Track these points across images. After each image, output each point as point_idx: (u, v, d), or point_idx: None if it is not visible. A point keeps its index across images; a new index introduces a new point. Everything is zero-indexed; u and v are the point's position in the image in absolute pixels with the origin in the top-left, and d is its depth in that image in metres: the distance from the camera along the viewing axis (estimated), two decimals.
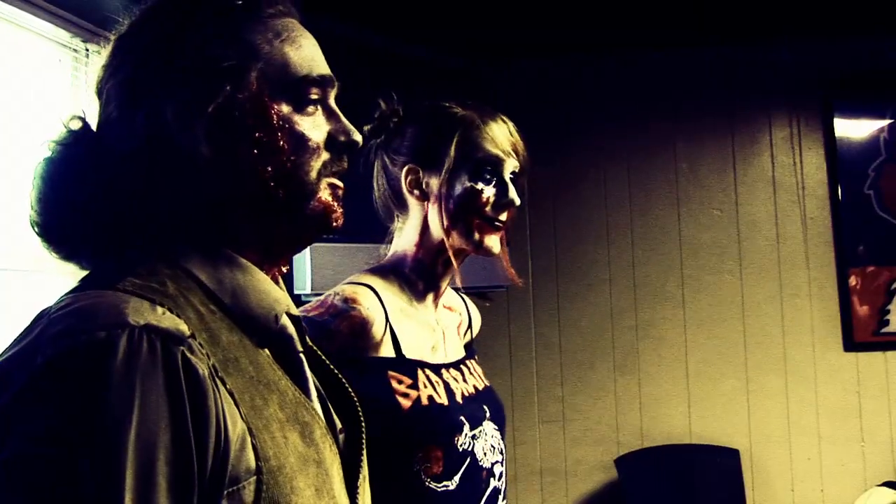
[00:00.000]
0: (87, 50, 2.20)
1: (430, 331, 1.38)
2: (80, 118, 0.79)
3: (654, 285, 3.38)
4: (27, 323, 0.71)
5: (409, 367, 1.28)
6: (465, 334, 1.51)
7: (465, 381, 1.36)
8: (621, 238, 3.41)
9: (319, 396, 0.86)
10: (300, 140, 0.79)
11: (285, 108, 0.79)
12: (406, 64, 2.81)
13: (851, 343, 3.26)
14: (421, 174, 1.36)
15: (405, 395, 1.24)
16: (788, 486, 3.27)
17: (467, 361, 1.42)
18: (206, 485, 0.65)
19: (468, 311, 1.54)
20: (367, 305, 1.26)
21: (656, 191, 3.41)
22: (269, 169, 0.77)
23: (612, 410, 3.37)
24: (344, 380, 0.94)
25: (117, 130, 0.77)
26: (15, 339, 0.69)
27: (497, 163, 1.34)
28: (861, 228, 3.28)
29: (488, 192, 1.33)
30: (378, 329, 1.26)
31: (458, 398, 1.30)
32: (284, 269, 0.86)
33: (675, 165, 3.41)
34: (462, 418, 1.27)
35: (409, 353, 1.30)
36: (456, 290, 1.56)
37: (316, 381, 0.88)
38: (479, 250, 1.35)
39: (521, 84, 3.41)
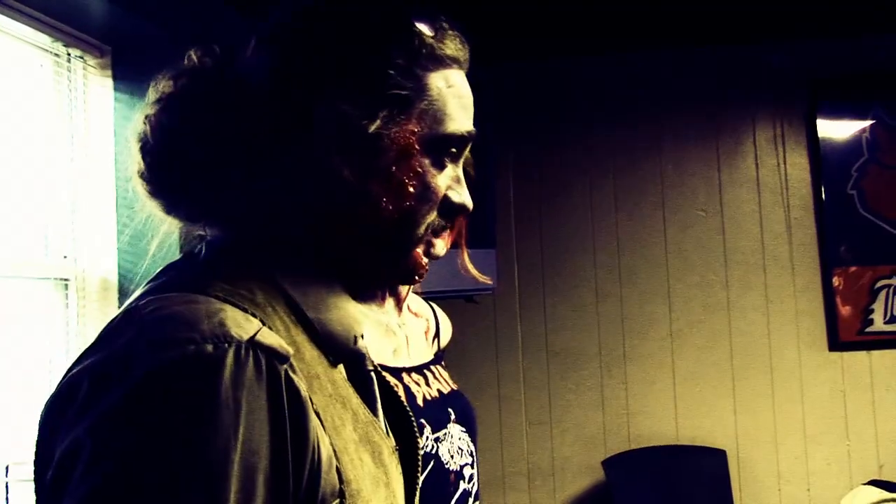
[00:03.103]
0: (69, 54, 2.18)
1: (391, 334, 1.38)
2: (211, 54, 0.77)
3: (639, 287, 3.39)
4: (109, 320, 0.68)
5: None
6: (433, 341, 1.51)
7: (428, 385, 1.37)
8: (607, 240, 3.41)
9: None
10: (426, 190, 0.77)
11: (427, 157, 0.77)
12: None
13: (836, 343, 3.28)
14: None
15: None
16: (775, 486, 3.29)
17: (432, 366, 1.43)
18: None
19: (436, 318, 1.54)
20: None
21: (642, 193, 3.42)
22: (391, 208, 0.75)
23: (599, 412, 3.37)
24: (402, 397, 0.90)
25: (257, 90, 0.74)
26: (100, 338, 0.66)
27: None
28: (844, 229, 3.30)
29: None
30: None
31: (419, 402, 1.31)
32: None
33: (661, 167, 3.42)
34: (422, 421, 1.28)
35: None
36: (424, 297, 1.57)
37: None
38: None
39: (506, 87, 3.41)
